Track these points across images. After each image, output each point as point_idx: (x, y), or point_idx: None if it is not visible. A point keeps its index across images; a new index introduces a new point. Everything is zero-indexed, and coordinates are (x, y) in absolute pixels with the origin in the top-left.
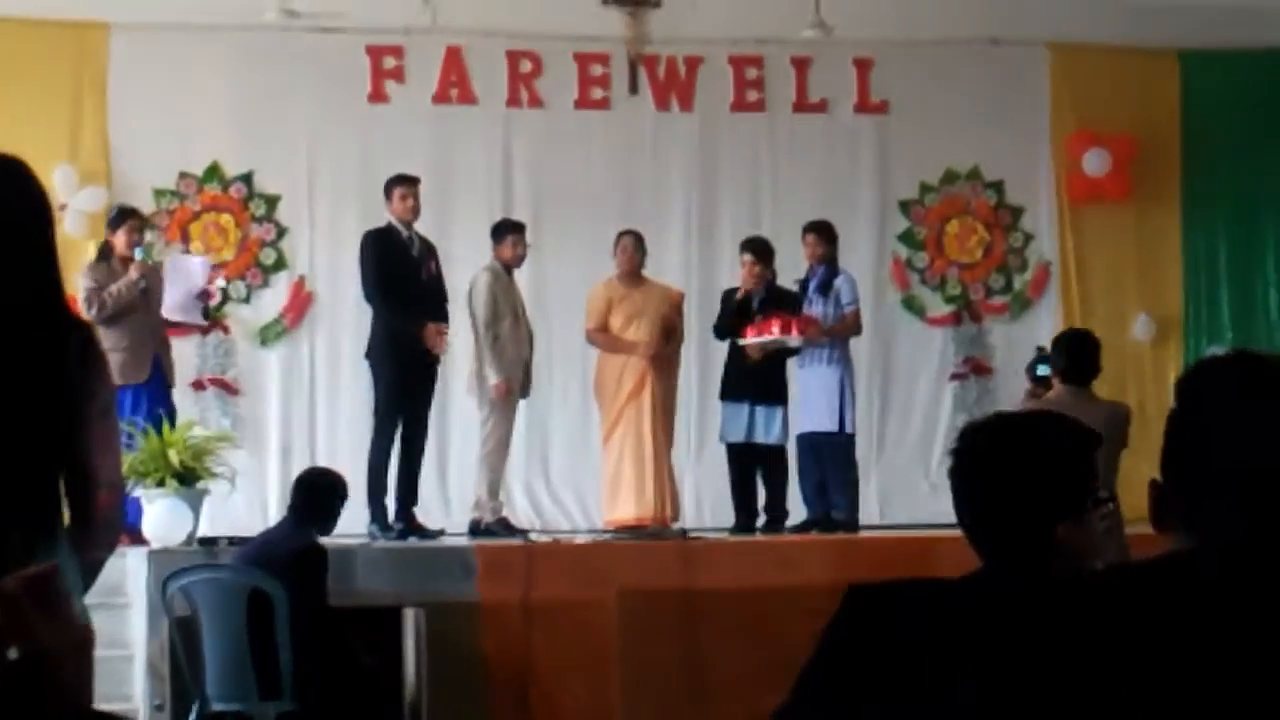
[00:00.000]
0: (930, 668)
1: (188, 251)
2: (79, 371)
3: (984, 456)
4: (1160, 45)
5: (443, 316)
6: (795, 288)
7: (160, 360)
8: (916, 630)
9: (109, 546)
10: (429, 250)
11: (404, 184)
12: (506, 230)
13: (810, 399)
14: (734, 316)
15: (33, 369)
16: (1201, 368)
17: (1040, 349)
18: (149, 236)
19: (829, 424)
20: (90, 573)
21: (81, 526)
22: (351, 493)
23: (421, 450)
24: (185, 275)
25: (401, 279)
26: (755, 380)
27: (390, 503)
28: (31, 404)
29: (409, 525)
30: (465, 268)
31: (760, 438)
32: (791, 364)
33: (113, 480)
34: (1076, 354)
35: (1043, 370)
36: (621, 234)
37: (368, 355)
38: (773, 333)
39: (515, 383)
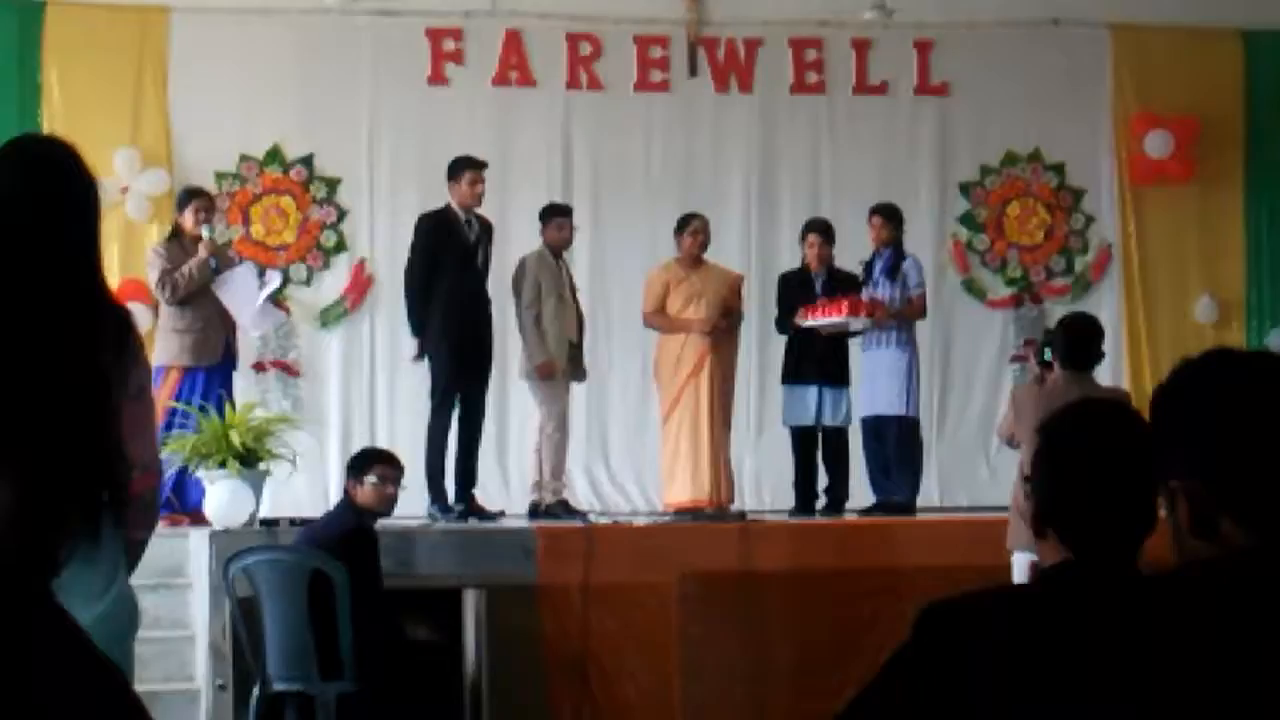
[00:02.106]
0: (1040, 679)
1: (247, 236)
2: (115, 355)
3: (1094, 443)
4: (1222, 25)
5: (485, 301)
6: (859, 269)
7: (229, 341)
8: (1013, 645)
9: (148, 527)
10: (487, 234)
11: (476, 168)
12: (552, 214)
13: (876, 382)
14: (794, 296)
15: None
16: (1225, 362)
17: (1048, 331)
18: (214, 217)
19: (895, 407)
20: (133, 553)
21: (118, 508)
22: (410, 475)
23: (479, 431)
24: (238, 289)
25: (455, 262)
26: (821, 363)
27: (449, 484)
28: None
29: (469, 507)
30: (522, 250)
31: (827, 420)
32: (854, 346)
33: (148, 462)
34: (1077, 339)
35: (1050, 354)
36: (692, 217)
37: (418, 335)
38: (841, 314)
39: (560, 364)
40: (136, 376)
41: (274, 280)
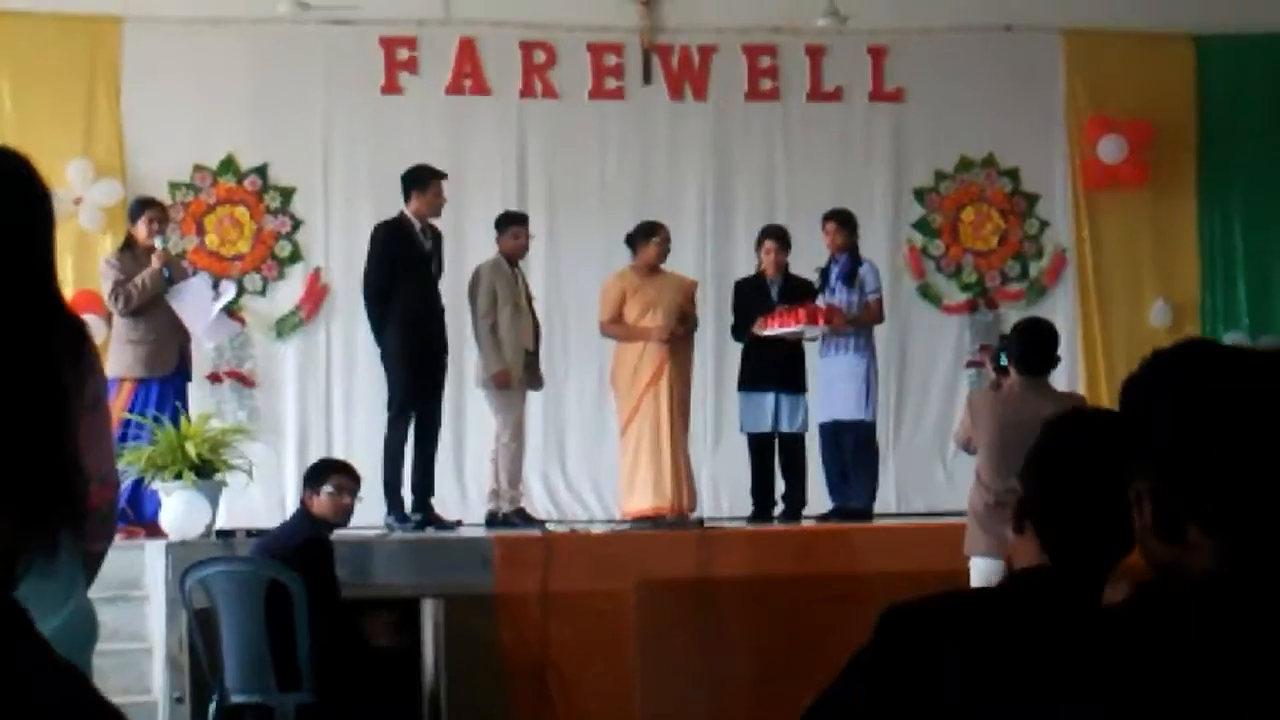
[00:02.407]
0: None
1: (202, 246)
2: (71, 366)
3: (1092, 453)
4: (1175, 30)
5: (440, 310)
6: (815, 276)
7: (184, 351)
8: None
9: (105, 539)
10: (439, 243)
11: (439, 177)
12: (508, 222)
13: (834, 387)
14: (749, 304)
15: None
16: (1196, 355)
17: (1003, 337)
18: (167, 228)
19: (854, 412)
20: (91, 566)
21: (76, 521)
22: (367, 485)
23: (435, 440)
24: (192, 300)
25: (411, 272)
26: (778, 370)
27: (407, 494)
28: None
29: (427, 516)
30: (478, 259)
31: (784, 426)
32: (811, 352)
33: (104, 474)
34: (1032, 344)
35: (1006, 360)
36: (657, 225)
37: (379, 344)
38: (798, 322)
39: (516, 372)
40: (92, 388)
41: (228, 291)
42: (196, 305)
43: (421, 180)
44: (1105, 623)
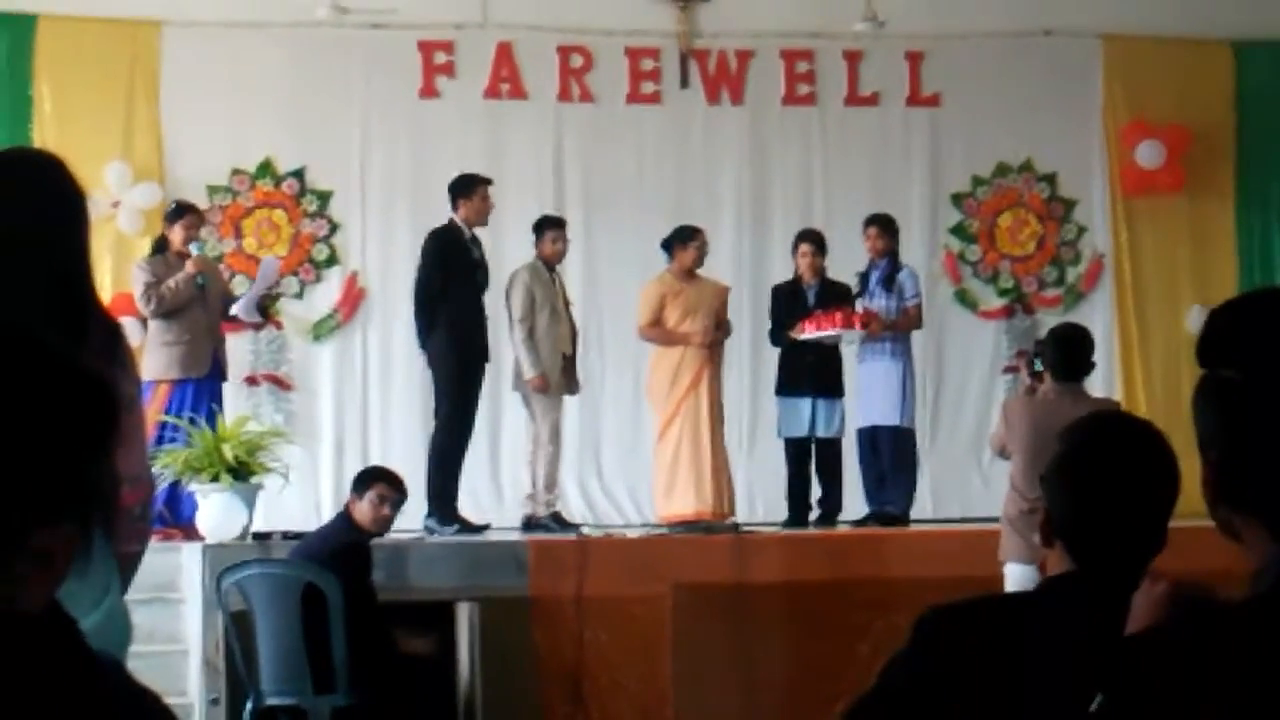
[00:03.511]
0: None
1: (239, 250)
2: (102, 365)
3: (1114, 459)
4: (1213, 36)
5: (485, 318)
6: (855, 280)
7: (218, 354)
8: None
9: (139, 541)
10: (482, 252)
11: (486, 184)
12: (547, 226)
13: (872, 392)
14: (786, 308)
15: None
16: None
17: (1039, 343)
18: (202, 232)
19: (891, 418)
20: (125, 569)
21: (107, 521)
22: (409, 489)
23: (467, 446)
24: (265, 277)
25: (461, 279)
26: (815, 374)
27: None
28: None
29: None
30: (514, 263)
31: (820, 431)
32: (849, 357)
33: (137, 475)
34: (1068, 350)
35: (1041, 365)
36: (696, 230)
37: (424, 349)
38: (835, 326)
39: (553, 377)
40: (126, 388)
41: (272, 273)
42: (263, 281)
43: (468, 187)
44: (1141, 644)
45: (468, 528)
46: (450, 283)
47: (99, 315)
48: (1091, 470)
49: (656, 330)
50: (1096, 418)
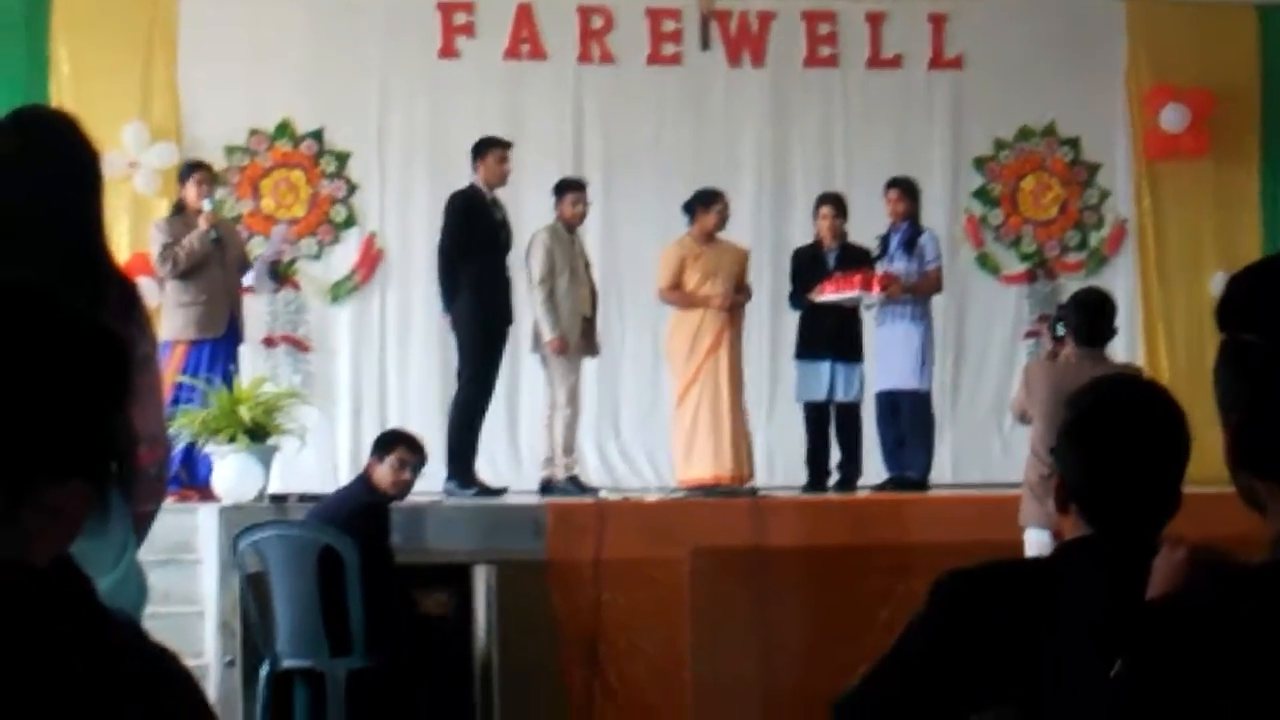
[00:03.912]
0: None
1: (257, 210)
2: (118, 325)
3: (1126, 422)
4: None
5: (508, 280)
6: (875, 243)
7: (235, 315)
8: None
9: (155, 500)
10: (505, 214)
11: (502, 147)
12: (567, 189)
13: (891, 356)
14: (806, 272)
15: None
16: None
17: (1061, 307)
18: (220, 193)
19: (910, 381)
20: (140, 527)
21: (124, 480)
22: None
23: (486, 408)
24: (271, 244)
25: (483, 242)
26: (834, 338)
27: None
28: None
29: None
30: (534, 225)
31: (839, 395)
32: (868, 321)
33: (154, 434)
34: (1090, 315)
35: (1062, 330)
36: (717, 194)
37: (450, 311)
38: (854, 288)
39: (572, 339)
40: (142, 347)
41: (277, 240)
42: (271, 247)
43: (483, 150)
44: (1161, 610)
45: (486, 491)
46: (473, 245)
47: (115, 274)
48: (1102, 434)
49: (676, 293)
50: (1105, 381)
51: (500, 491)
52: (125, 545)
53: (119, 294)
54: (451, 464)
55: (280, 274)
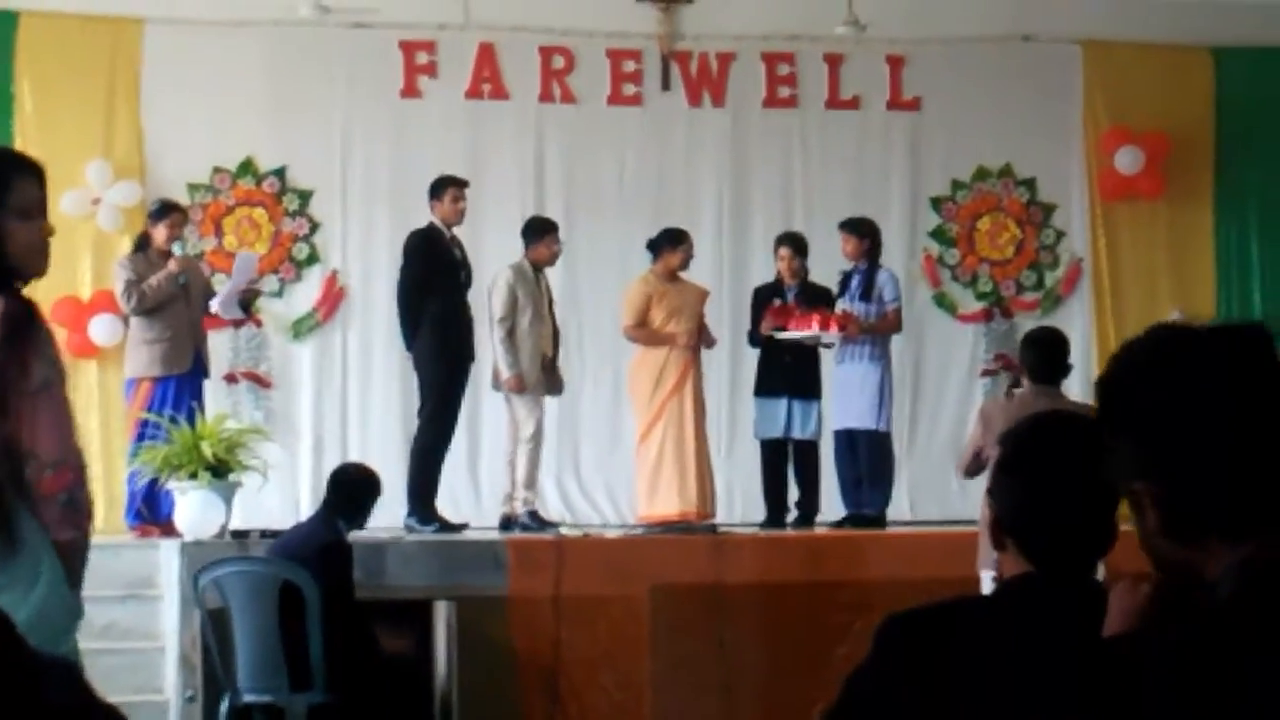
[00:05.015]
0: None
1: (220, 248)
2: (4, 347)
3: (1059, 455)
4: (1193, 42)
5: (470, 318)
6: (836, 283)
7: (200, 352)
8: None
9: (72, 527)
10: (464, 252)
11: (457, 185)
12: (545, 230)
13: (849, 395)
14: (764, 310)
15: None
16: (1169, 345)
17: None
18: (185, 231)
19: (867, 421)
20: (66, 557)
21: (33, 509)
22: (387, 487)
23: (449, 445)
24: (242, 271)
25: (443, 279)
26: (791, 376)
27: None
28: None
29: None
30: (495, 263)
31: (796, 433)
32: (827, 359)
33: (58, 460)
34: (1044, 353)
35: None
36: (683, 233)
37: (409, 349)
38: (812, 328)
39: (532, 378)
40: (40, 370)
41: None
42: (237, 277)
43: (439, 189)
44: (1130, 646)
45: (446, 526)
46: (433, 282)
47: (8, 298)
48: (1035, 469)
49: (642, 331)
50: (1037, 417)
51: (460, 527)
52: (38, 572)
53: (6, 314)
54: (412, 500)
55: (249, 305)
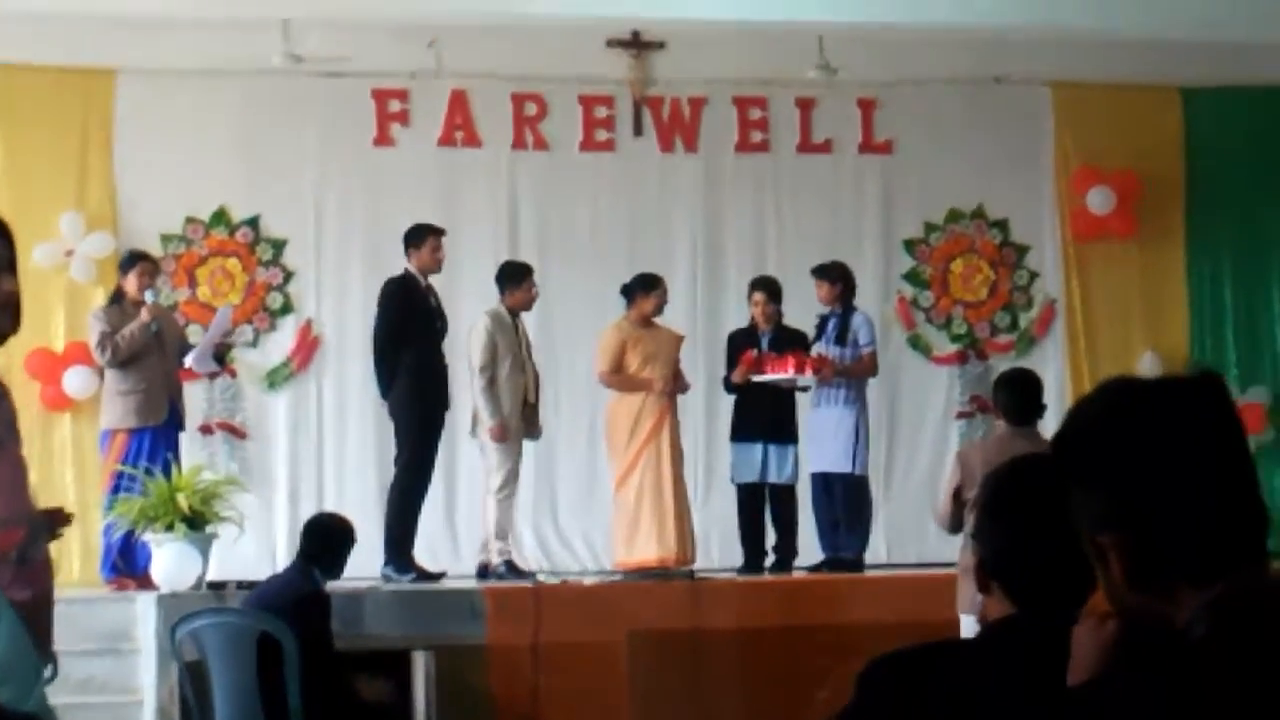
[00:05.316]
0: None
1: (194, 298)
2: None
3: (1041, 498)
4: (1162, 82)
5: (444, 366)
6: (813, 327)
7: (175, 403)
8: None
9: (26, 586)
10: (439, 300)
11: (436, 235)
12: (524, 274)
13: (825, 439)
14: (741, 355)
15: None
16: (1125, 398)
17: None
18: (158, 281)
19: (842, 465)
20: (31, 616)
21: None
22: (361, 536)
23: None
24: (218, 325)
25: (419, 327)
26: (767, 420)
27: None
28: None
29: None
30: (470, 311)
31: (772, 477)
32: (804, 402)
33: (14, 516)
34: (1018, 394)
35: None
36: (658, 279)
37: (386, 398)
38: (787, 371)
39: (513, 425)
40: None
41: (225, 322)
42: (213, 330)
43: (418, 237)
44: (1095, 690)
45: (424, 575)
46: (409, 331)
47: None
48: (1016, 511)
49: (618, 377)
50: (1019, 460)
51: (438, 576)
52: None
53: None
54: (389, 549)
55: (223, 358)
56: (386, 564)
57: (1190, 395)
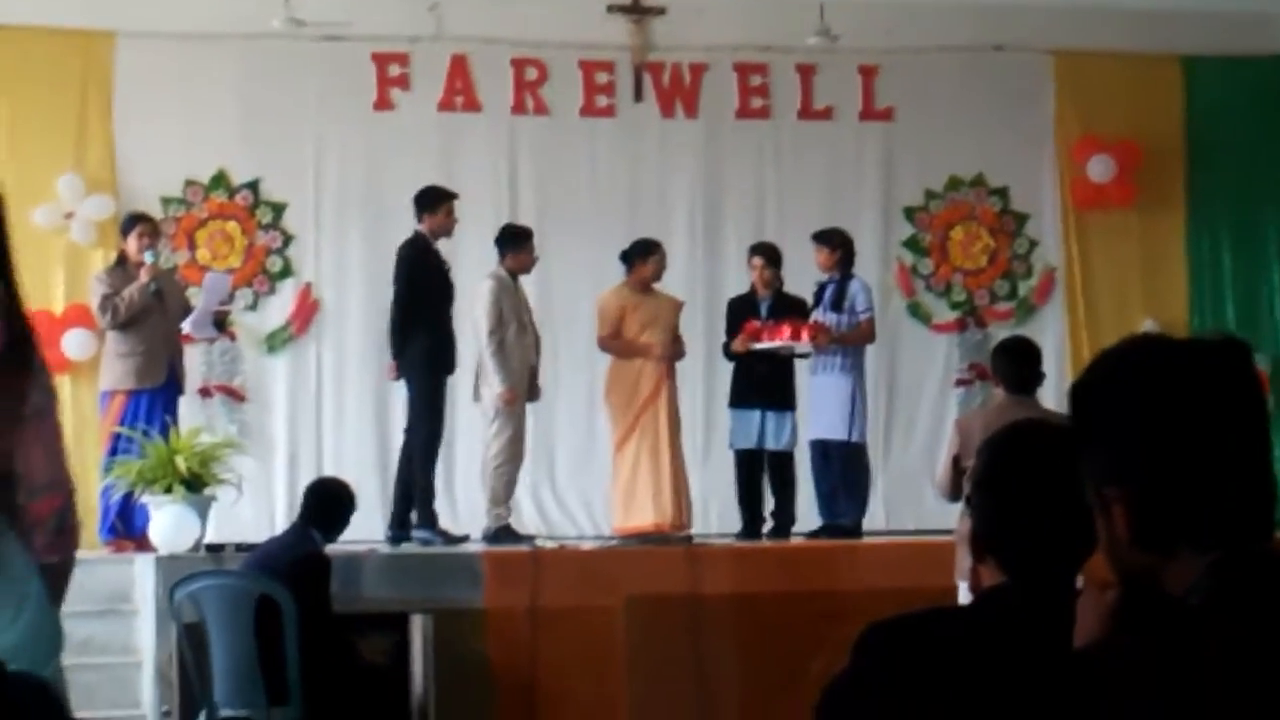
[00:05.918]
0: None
1: (193, 261)
2: (13, 374)
3: (1036, 466)
4: (1163, 51)
5: (452, 330)
6: (811, 294)
7: (174, 365)
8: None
9: (58, 552)
10: (447, 264)
11: (450, 199)
12: (524, 236)
13: (823, 406)
14: (740, 321)
15: None
16: (1145, 354)
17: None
18: (159, 243)
19: (839, 432)
20: (53, 579)
21: (22, 532)
22: (360, 498)
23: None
24: (213, 292)
25: (434, 290)
26: (765, 387)
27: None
28: None
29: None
30: (470, 275)
31: (770, 444)
32: (802, 370)
33: (46, 484)
34: (1016, 362)
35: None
36: (655, 244)
37: (398, 358)
38: (784, 338)
39: (521, 389)
40: (35, 399)
41: (221, 289)
42: (213, 296)
43: (435, 202)
44: (1097, 658)
45: (449, 539)
46: (426, 293)
47: (16, 323)
48: (1011, 479)
49: (617, 342)
50: (1014, 426)
51: (463, 539)
52: (25, 595)
53: (19, 343)
54: (422, 511)
55: (223, 324)
56: (419, 527)
57: (1216, 358)
